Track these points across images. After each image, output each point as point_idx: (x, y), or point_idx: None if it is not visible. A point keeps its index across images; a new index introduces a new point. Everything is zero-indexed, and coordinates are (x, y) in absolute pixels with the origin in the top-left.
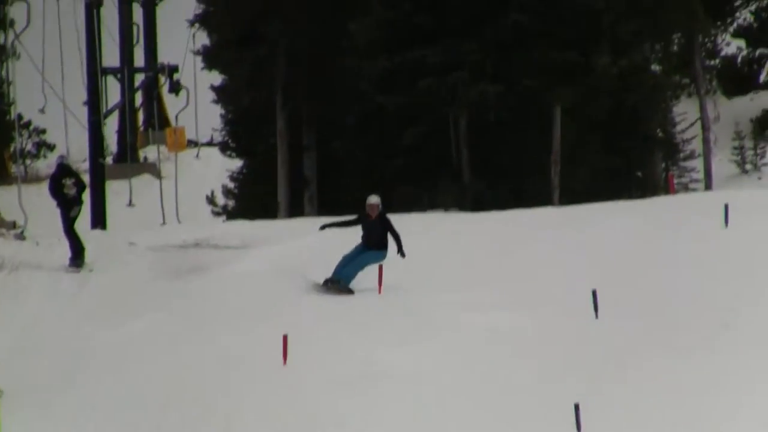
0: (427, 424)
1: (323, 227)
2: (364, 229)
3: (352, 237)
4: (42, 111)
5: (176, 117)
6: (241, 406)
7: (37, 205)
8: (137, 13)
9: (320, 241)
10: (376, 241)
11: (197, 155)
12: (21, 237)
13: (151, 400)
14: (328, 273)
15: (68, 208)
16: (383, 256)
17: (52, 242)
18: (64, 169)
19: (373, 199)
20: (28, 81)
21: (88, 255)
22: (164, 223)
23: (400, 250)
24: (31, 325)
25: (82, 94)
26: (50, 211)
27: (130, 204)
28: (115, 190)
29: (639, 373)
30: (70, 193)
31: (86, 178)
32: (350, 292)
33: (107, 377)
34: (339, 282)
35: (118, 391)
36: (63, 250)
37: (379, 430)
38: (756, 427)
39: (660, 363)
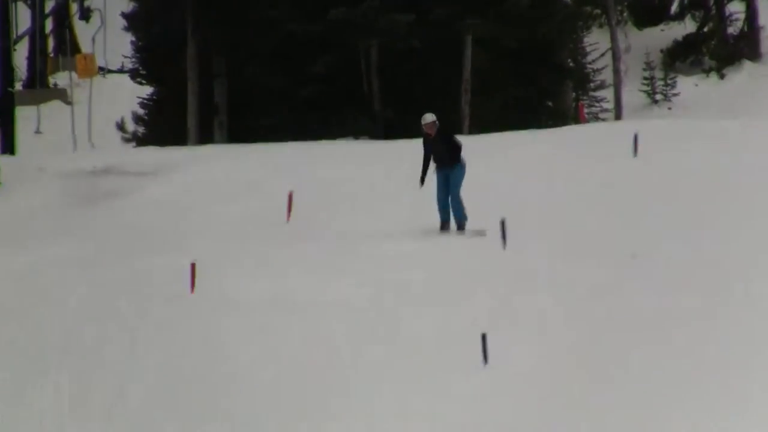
0: (330, 347)
1: (422, 182)
2: (432, 152)
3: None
4: None
5: (93, 40)
6: (148, 328)
7: None
8: None
9: (230, 169)
10: (447, 157)
11: (104, 75)
12: None
13: (58, 323)
14: (243, 198)
15: None
16: (462, 170)
17: None
18: None
19: (428, 118)
20: None
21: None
22: (75, 149)
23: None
24: None
25: None
26: None
27: (38, 131)
28: (26, 115)
29: (546, 302)
30: None
31: None
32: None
33: (15, 300)
34: (459, 226)
35: (26, 314)
36: None
37: (281, 356)
38: (655, 351)
39: (563, 293)
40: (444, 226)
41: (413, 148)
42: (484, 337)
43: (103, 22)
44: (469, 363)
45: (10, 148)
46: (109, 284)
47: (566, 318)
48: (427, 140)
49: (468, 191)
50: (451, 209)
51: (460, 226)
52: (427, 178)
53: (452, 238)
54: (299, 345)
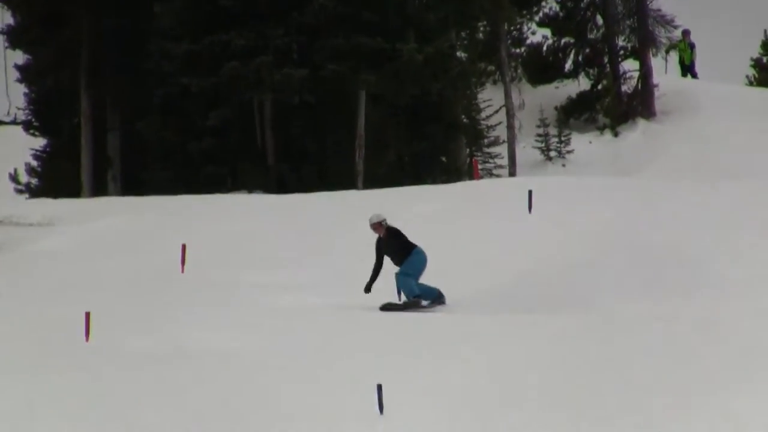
0: (228, 396)
1: (367, 290)
2: (389, 253)
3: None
4: None
5: None
6: (44, 380)
7: None
8: None
9: (124, 222)
10: (403, 254)
11: None
12: None
13: None
14: (137, 250)
15: None
16: (419, 253)
17: None
18: None
19: (374, 219)
20: None
21: None
22: None
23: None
24: None
25: None
26: None
27: None
28: None
29: (438, 356)
30: None
31: None
32: (417, 304)
33: None
34: (410, 301)
35: None
36: None
37: (177, 406)
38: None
39: (453, 351)
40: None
41: (306, 202)
42: (379, 388)
43: None
44: (365, 413)
45: None
46: (3, 333)
47: (463, 370)
48: (379, 243)
49: (366, 242)
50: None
51: (412, 299)
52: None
53: (355, 299)
54: (188, 393)
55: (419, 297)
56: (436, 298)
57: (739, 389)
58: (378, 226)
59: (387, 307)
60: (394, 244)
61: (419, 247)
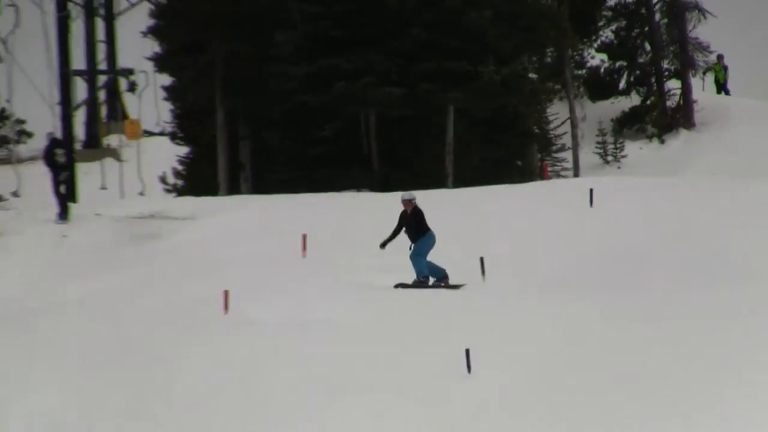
0: (342, 357)
1: (383, 247)
2: (406, 227)
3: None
4: (7, 101)
5: (139, 110)
6: (187, 348)
7: (14, 184)
8: (100, 25)
9: (254, 215)
10: (416, 232)
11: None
12: (16, 194)
13: (112, 342)
14: (265, 239)
15: (58, 173)
16: (431, 237)
17: (32, 214)
18: (54, 142)
19: (406, 196)
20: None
21: (72, 213)
22: (124, 198)
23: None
24: (17, 280)
25: (54, 91)
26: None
27: (103, 187)
28: (84, 170)
29: (519, 324)
30: (60, 160)
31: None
32: (424, 284)
33: (86, 323)
34: (418, 281)
35: (83, 335)
36: (42, 217)
37: (299, 367)
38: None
39: (531, 320)
40: (441, 279)
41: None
42: (467, 352)
43: (140, 91)
44: (454, 374)
45: (72, 197)
46: (156, 307)
47: (542, 343)
48: (404, 215)
49: (456, 233)
50: (416, 269)
51: (420, 280)
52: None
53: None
54: (309, 356)
55: (426, 278)
56: (441, 277)
57: None
58: (408, 203)
59: (399, 286)
60: (414, 222)
61: (432, 231)
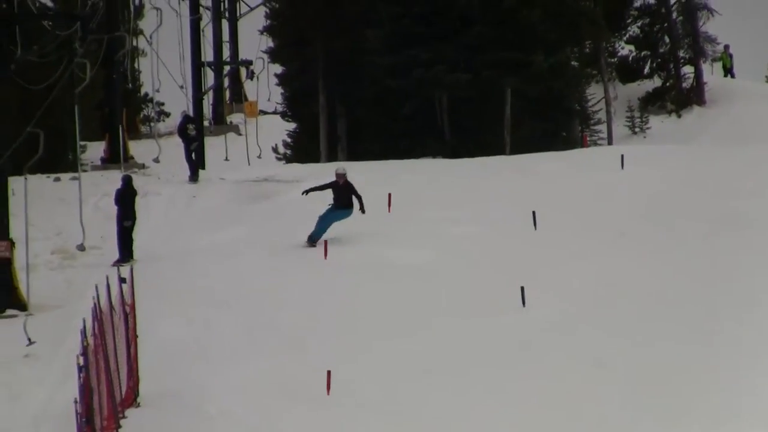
0: (420, 292)
1: (306, 192)
2: (334, 192)
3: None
4: (158, 91)
5: (258, 95)
6: (288, 289)
7: (155, 153)
8: (225, 25)
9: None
10: (345, 202)
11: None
12: (157, 161)
13: (235, 273)
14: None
15: (190, 143)
16: (349, 214)
17: (168, 178)
18: (187, 118)
19: (340, 170)
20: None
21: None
22: (249, 164)
23: (362, 207)
24: (155, 231)
25: (188, 78)
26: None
27: (227, 159)
28: (211, 144)
29: (565, 266)
30: (191, 133)
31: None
32: (313, 245)
33: (210, 267)
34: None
35: (217, 275)
36: (176, 180)
37: (386, 300)
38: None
39: (575, 263)
40: (313, 241)
41: (473, 165)
42: (522, 289)
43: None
44: (511, 307)
45: (202, 165)
46: (267, 254)
47: (584, 281)
48: (336, 185)
49: (513, 190)
50: (317, 229)
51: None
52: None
53: (506, 227)
54: (391, 293)
55: (315, 242)
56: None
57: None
58: (340, 176)
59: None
60: (342, 192)
61: (352, 209)
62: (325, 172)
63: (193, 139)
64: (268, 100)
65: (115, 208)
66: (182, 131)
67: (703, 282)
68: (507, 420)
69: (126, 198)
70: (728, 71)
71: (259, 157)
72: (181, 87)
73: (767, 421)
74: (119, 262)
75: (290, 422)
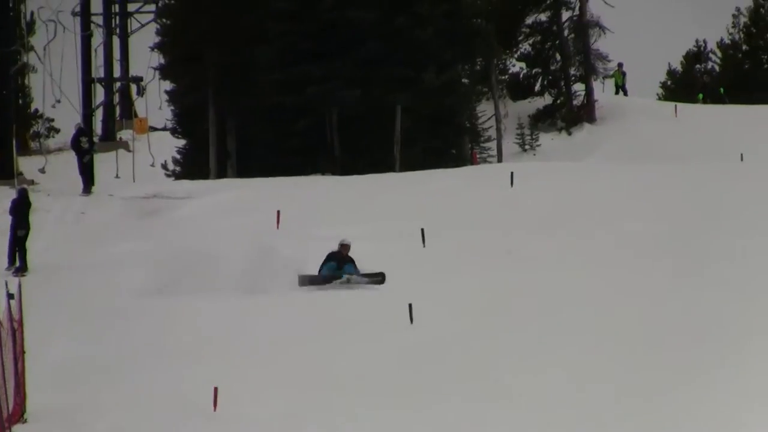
0: (307, 313)
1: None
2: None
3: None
4: (53, 106)
5: (148, 112)
6: (179, 302)
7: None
8: (116, 41)
9: (238, 195)
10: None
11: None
12: (43, 171)
13: (127, 287)
14: (247, 214)
15: (83, 156)
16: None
17: (58, 195)
18: (81, 131)
19: (347, 240)
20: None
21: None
22: (134, 181)
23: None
24: (47, 248)
25: (76, 94)
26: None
27: (117, 176)
28: (101, 160)
29: (452, 282)
30: (84, 146)
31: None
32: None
33: (101, 281)
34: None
35: (108, 290)
36: (67, 196)
37: (274, 316)
38: None
39: (463, 278)
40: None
41: (363, 182)
42: (410, 306)
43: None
44: (399, 324)
45: (92, 178)
46: (154, 270)
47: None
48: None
49: (402, 207)
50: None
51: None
52: None
53: (395, 244)
54: (280, 309)
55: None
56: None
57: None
58: (347, 247)
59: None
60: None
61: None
62: (215, 188)
63: (86, 151)
64: (159, 108)
65: (9, 218)
66: (75, 144)
67: (589, 297)
68: None
69: (21, 208)
70: (620, 88)
71: (152, 165)
72: (58, 101)
73: None
74: (18, 271)
75: None
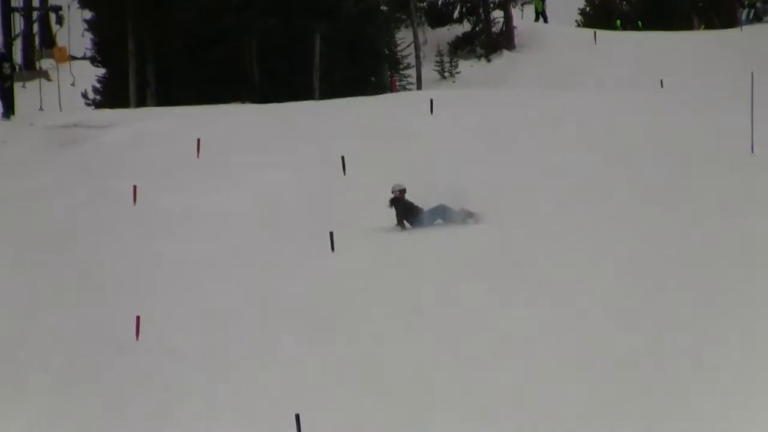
0: (230, 241)
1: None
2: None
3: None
4: None
5: (68, 41)
6: (100, 235)
7: None
8: None
9: (158, 124)
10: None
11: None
12: None
13: (48, 218)
14: (166, 143)
15: (4, 81)
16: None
17: None
18: (2, 57)
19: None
20: None
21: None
22: (61, 110)
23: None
24: None
25: None
26: None
27: (41, 108)
28: (26, 90)
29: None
30: (6, 72)
31: None
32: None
33: (19, 214)
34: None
35: (27, 223)
36: None
37: (195, 246)
38: None
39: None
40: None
41: (282, 110)
42: (331, 234)
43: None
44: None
45: (11, 110)
46: (77, 201)
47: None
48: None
49: (322, 135)
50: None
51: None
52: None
53: (316, 172)
54: (202, 239)
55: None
56: None
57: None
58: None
59: None
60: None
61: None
62: (135, 117)
63: (8, 77)
64: (82, 36)
65: None
66: None
67: (513, 230)
68: (310, 364)
69: None
70: (540, 15)
71: (72, 84)
72: None
73: None
74: None
75: (98, 368)
